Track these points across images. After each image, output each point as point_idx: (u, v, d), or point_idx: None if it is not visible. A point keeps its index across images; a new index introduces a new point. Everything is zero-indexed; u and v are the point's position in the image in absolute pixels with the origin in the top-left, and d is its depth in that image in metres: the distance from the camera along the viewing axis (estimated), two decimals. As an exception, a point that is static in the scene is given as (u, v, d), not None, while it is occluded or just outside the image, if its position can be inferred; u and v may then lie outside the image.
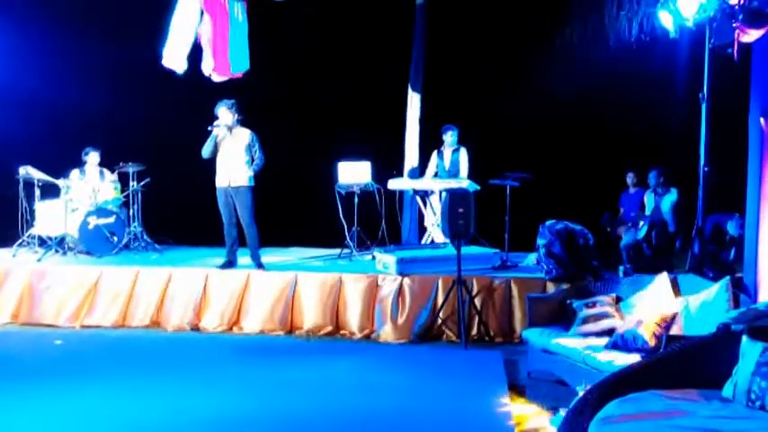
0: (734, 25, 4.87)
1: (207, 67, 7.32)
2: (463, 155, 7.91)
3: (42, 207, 8.11)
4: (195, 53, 7.30)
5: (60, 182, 8.06)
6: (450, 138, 7.95)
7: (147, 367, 5.46)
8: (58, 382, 4.99)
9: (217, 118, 6.98)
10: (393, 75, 9.06)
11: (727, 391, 3.26)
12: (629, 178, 7.99)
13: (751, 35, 4.77)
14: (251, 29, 7.41)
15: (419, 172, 8.84)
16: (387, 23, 8.98)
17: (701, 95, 6.07)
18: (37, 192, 8.11)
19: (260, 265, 7.02)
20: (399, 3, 9.01)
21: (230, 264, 7.03)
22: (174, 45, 7.19)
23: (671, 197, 7.50)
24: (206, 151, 6.93)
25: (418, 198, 8.33)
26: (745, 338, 3.34)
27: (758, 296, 4.71)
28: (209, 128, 6.89)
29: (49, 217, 8.05)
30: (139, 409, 4.46)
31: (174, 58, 7.18)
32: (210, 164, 7.08)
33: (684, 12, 5.66)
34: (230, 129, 6.97)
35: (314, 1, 8.21)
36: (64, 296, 6.88)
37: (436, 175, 8.09)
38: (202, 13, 7.24)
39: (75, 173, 8.27)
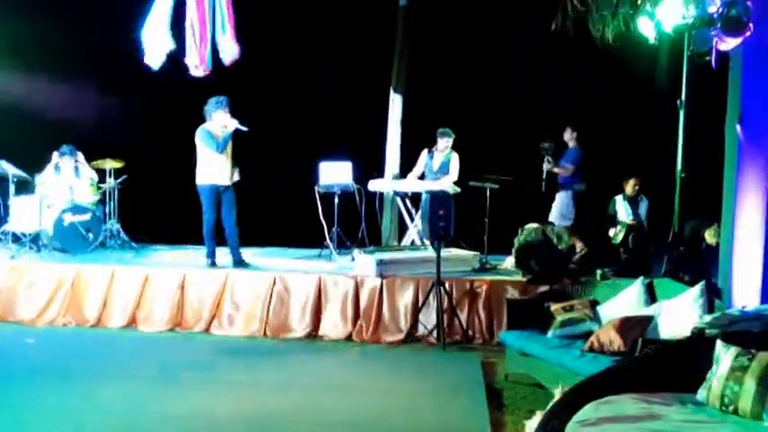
0: (712, 33, 4.94)
1: (191, 61, 7.23)
2: (454, 159, 7.83)
3: (17, 203, 7.98)
4: (177, 48, 7.22)
5: (36, 178, 7.94)
6: (444, 143, 7.85)
7: (121, 367, 5.40)
8: (23, 382, 4.90)
9: (203, 113, 7.00)
10: (375, 76, 9.06)
11: (701, 394, 3.29)
12: (568, 134, 7.93)
13: (729, 43, 4.84)
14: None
15: (400, 173, 8.83)
16: (369, 25, 8.96)
17: (678, 102, 6.14)
18: (11, 187, 7.98)
19: (242, 262, 7.02)
20: (382, 4, 9.00)
21: (215, 264, 7.00)
22: (150, 40, 7.10)
23: (645, 204, 7.61)
24: (221, 148, 6.91)
25: (399, 199, 8.33)
26: (719, 343, 3.37)
27: (733, 301, 4.77)
28: (240, 126, 6.89)
29: (24, 213, 7.92)
30: (111, 410, 4.40)
31: (150, 53, 7.09)
32: (188, 161, 7.02)
33: (664, 18, 5.72)
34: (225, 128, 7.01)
35: (297, 1, 8.19)
36: (38, 294, 6.78)
37: (423, 175, 8.06)
38: (184, 6, 7.14)
39: (50, 168, 8.15)
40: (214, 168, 6.94)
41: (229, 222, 7.06)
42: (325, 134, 8.83)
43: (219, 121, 6.95)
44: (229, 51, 7.08)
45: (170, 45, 6.97)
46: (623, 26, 6.21)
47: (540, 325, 5.07)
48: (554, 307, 5.07)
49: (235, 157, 7.13)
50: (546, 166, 7.71)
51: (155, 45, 7.00)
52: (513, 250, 6.62)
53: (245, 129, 6.93)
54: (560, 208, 7.84)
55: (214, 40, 7.09)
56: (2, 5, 8.51)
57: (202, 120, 7.05)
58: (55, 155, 8.17)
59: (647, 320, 4.53)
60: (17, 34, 8.96)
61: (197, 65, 7.08)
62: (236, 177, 7.13)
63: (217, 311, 6.63)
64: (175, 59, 7.11)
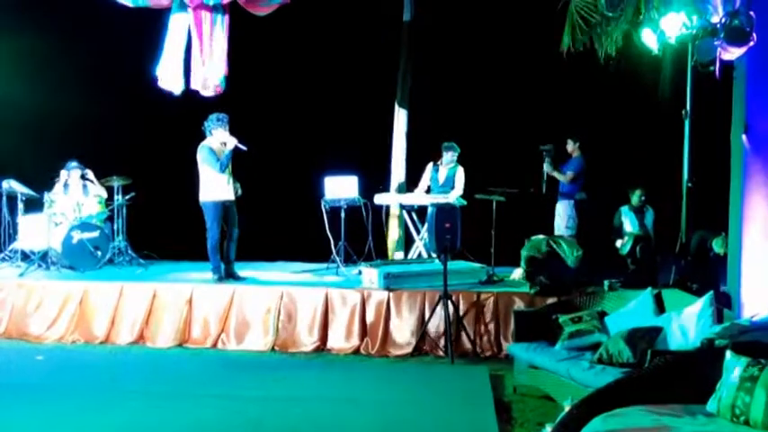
0: (716, 43, 4.96)
1: (196, 82, 7.34)
2: (460, 173, 7.87)
3: (25, 221, 8.04)
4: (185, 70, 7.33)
5: (44, 196, 7.99)
6: (450, 156, 7.92)
7: (130, 384, 5.40)
8: (32, 399, 4.89)
9: (203, 129, 7.05)
10: (380, 90, 9.10)
11: (711, 406, 3.27)
12: (570, 145, 7.91)
13: (732, 53, 4.86)
14: (236, 42, 7.44)
15: (406, 186, 8.87)
16: (374, 40, 9.02)
17: (683, 112, 6.15)
18: (20, 206, 8.04)
19: (235, 276, 7.10)
20: (387, 19, 9.06)
21: (221, 279, 7.03)
22: (168, 66, 7.22)
23: (651, 214, 7.60)
24: (224, 168, 6.95)
25: (405, 213, 8.34)
26: (729, 353, 3.35)
27: (742, 311, 4.75)
28: (240, 145, 6.92)
29: (33, 231, 7.97)
30: (120, 427, 4.40)
31: (170, 79, 7.21)
32: (195, 178, 7.06)
33: (667, 29, 5.74)
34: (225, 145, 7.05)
35: (300, 16, 8.26)
36: (47, 311, 6.81)
37: (429, 189, 8.09)
38: (190, 30, 7.27)
39: (58, 186, 8.21)
40: (218, 185, 6.97)
41: (233, 237, 7.10)
42: (331, 148, 8.86)
43: (219, 137, 6.99)
44: (215, 79, 7.22)
45: (181, 82, 7.12)
46: (624, 39, 6.26)
47: (549, 337, 5.05)
48: (562, 319, 5.06)
49: (235, 173, 7.15)
50: (546, 168, 7.72)
51: (173, 72, 7.12)
52: (523, 263, 6.61)
53: (244, 148, 6.96)
54: (564, 219, 7.82)
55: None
56: (10, 24, 8.62)
57: (203, 135, 7.10)
58: (63, 173, 8.24)
59: (656, 331, 4.51)
60: (26, 53, 9.07)
61: (206, 87, 7.19)
62: (239, 193, 7.18)
63: (224, 326, 6.64)
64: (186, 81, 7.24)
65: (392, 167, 9.10)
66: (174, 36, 7.29)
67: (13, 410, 4.66)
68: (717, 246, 6.36)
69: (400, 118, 9.11)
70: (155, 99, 7.64)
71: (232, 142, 6.94)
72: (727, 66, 5.13)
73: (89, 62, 9.27)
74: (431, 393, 5.18)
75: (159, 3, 7.31)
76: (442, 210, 6.32)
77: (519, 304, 6.29)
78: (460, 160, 7.96)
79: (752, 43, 4.76)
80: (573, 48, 6.62)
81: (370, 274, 6.81)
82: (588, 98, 8.57)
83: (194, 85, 7.38)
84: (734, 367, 3.26)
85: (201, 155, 6.97)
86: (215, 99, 7.42)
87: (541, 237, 6.76)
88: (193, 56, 7.29)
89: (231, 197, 7.07)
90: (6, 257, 8.09)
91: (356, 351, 6.41)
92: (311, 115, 9.46)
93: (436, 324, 6.33)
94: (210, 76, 7.26)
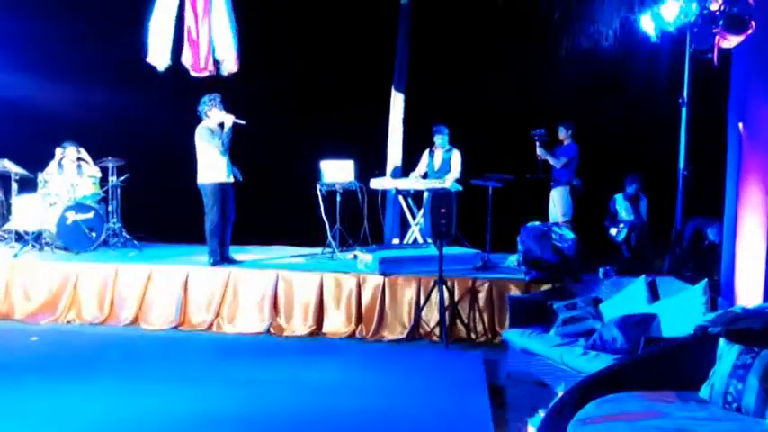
0: (714, 31, 4.93)
1: (187, 61, 7.28)
2: (456, 157, 7.90)
3: (19, 201, 8.00)
4: (177, 48, 7.25)
5: (38, 176, 7.96)
6: (440, 139, 7.96)
7: (124, 366, 5.41)
8: (27, 380, 4.91)
9: (198, 114, 7.00)
10: (377, 74, 9.06)
11: (704, 392, 3.30)
12: (562, 133, 7.89)
13: (731, 41, 4.83)
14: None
15: (402, 171, 8.86)
16: (371, 22, 8.96)
17: (680, 100, 6.14)
18: (14, 186, 7.99)
19: (230, 259, 7.11)
20: (384, 2, 9.00)
21: (218, 261, 7.01)
22: (155, 41, 7.13)
23: (645, 202, 7.61)
24: (226, 147, 6.91)
25: (401, 198, 8.34)
26: (722, 341, 3.38)
27: (735, 299, 4.77)
28: (241, 121, 6.89)
29: (27, 212, 7.94)
30: (115, 409, 4.41)
31: (156, 54, 7.12)
32: (191, 160, 7.03)
33: (666, 16, 5.72)
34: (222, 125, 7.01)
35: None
36: (41, 292, 6.79)
37: (426, 174, 8.10)
38: (183, 7, 7.18)
39: (52, 167, 8.17)
40: (217, 167, 6.95)
41: (230, 219, 7.10)
42: (328, 132, 8.83)
43: (216, 117, 6.96)
44: (229, 63, 7.16)
45: (167, 58, 7.03)
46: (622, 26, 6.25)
47: (543, 323, 5.08)
48: (556, 305, 5.08)
49: (231, 156, 7.11)
50: (539, 152, 7.72)
51: (159, 47, 7.04)
52: (518, 249, 6.63)
53: (243, 122, 6.93)
54: (559, 206, 7.84)
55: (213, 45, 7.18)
56: (4, 4, 8.52)
57: (198, 120, 7.05)
58: (58, 151, 8.20)
59: (650, 318, 4.53)
60: (20, 33, 8.97)
61: (202, 67, 7.13)
62: (239, 177, 7.16)
63: (220, 309, 6.64)
64: (177, 59, 7.16)
65: (389, 152, 9.08)
66: (161, 11, 7.18)
67: (6, 391, 4.67)
68: (711, 234, 6.38)
69: (397, 102, 9.07)
70: (150, 79, 7.57)
71: (230, 119, 6.90)
72: (725, 53, 5.11)
73: (82, 41, 9.19)
74: (425, 378, 5.21)
75: None
76: (438, 195, 6.32)
77: (514, 290, 6.31)
78: (457, 145, 7.94)
79: (750, 31, 4.73)
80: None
81: (365, 259, 6.81)
82: (586, 84, 8.55)
83: (186, 64, 7.30)
84: (727, 355, 3.28)
85: (200, 136, 6.93)
86: (211, 80, 7.36)
87: (537, 223, 6.77)
88: (187, 34, 7.21)
89: (230, 179, 7.05)
90: (0, 238, 8.05)
91: (351, 335, 6.42)
92: (308, 99, 9.41)
93: (431, 309, 6.34)
94: (205, 55, 7.18)
